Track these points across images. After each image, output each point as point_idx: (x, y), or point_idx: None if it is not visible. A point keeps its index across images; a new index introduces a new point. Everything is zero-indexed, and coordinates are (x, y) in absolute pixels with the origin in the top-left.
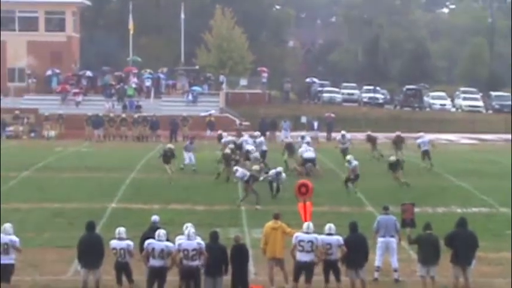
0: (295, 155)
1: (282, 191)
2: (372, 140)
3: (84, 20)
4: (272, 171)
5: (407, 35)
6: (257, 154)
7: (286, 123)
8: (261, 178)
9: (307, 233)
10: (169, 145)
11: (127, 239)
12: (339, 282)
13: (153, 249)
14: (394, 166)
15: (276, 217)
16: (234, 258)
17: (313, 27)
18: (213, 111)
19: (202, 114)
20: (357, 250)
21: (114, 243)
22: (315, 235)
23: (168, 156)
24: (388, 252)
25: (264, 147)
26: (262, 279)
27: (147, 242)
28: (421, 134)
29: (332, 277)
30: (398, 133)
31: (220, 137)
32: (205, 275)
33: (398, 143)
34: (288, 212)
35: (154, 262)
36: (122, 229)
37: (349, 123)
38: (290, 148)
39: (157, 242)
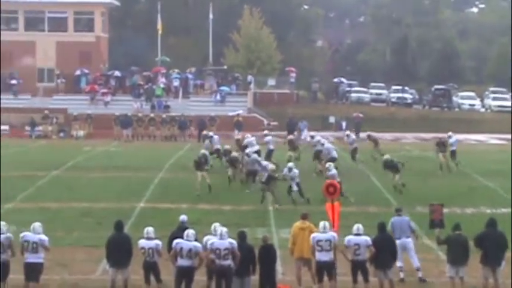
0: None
1: (307, 192)
2: (373, 140)
3: (113, 20)
4: (285, 169)
5: (436, 34)
6: (255, 156)
7: (303, 123)
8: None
9: (323, 232)
10: (203, 151)
11: (155, 238)
12: (367, 282)
13: (181, 248)
14: (390, 166)
15: (304, 217)
16: (262, 259)
17: (342, 27)
18: (241, 111)
19: (230, 114)
20: (385, 250)
21: (142, 242)
22: (333, 234)
23: (201, 163)
24: (406, 252)
25: (271, 146)
26: (290, 279)
27: (175, 241)
28: (450, 134)
29: (360, 278)
30: (439, 135)
31: (205, 137)
32: (233, 274)
33: (441, 145)
34: (316, 212)
35: (182, 262)
36: (150, 229)
37: (377, 123)
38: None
39: (186, 242)
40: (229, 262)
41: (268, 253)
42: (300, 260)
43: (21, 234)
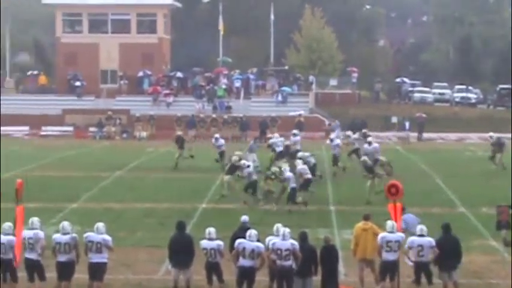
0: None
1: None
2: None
3: (175, 21)
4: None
5: (500, 32)
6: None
7: (336, 124)
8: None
9: (391, 232)
10: (237, 155)
11: (217, 239)
12: (431, 284)
13: (244, 249)
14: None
15: (366, 218)
16: (323, 259)
17: (404, 27)
18: (302, 112)
19: (291, 114)
20: (449, 252)
21: (204, 243)
22: (401, 234)
23: (234, 167)
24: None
25: (298, 147)
26: (352, 280)
27: (237, 241)
28: (491, 134)
29: (424, 279)
30: (495, 135)
31: (180, 140)
32: (295, 275)
33: (498, 145)
34: (379, 213)
35: (244, 262)
36: (211, 229)
37: (441, 123)
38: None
39: (248, 242)
40: (290, 263)
41: (330, 254)
42: (363, 261)
43: (85, 235)
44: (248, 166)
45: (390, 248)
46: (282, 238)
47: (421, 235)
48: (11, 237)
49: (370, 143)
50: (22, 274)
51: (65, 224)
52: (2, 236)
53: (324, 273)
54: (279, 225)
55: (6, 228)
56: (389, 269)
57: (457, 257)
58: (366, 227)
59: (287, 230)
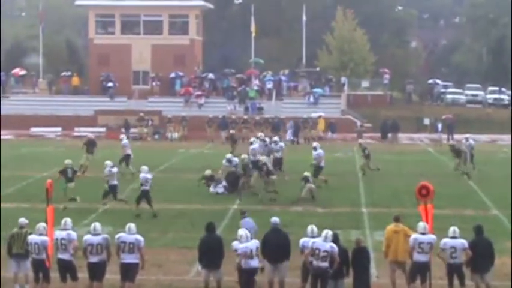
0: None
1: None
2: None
3: (207, 23)
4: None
5: None
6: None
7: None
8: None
9: (424, 233)
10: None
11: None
12: (463, 286)
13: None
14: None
15: (397, 219)
16: (355, 261)
17: (436, 28)
18: (322, 114)
19: (313, 115)
20: (482, 254)
21: (235, 244)
22: (433, 236)
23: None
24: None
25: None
26: (384, 281)
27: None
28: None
29: (456, 281)
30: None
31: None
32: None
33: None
34: (410, 214)
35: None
36: (243, 231)
37: (473, 124)
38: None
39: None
40: (326, 264)
41: (361, 255)
42: (395, 262)
43: (117, 235)
44: (113, 167)
45: (422, 250)
46: (323, 239)
47: (454, 237)
48: (44, 238)
49: (315, 148)
50: (54, 275)
51: (97, 224)
52: (35, 237)
53: (355, 275)
54: (313, 226)
55: (40, 228)
56: (421, 271)
57: (490, 259)
58: (397, 228)
59: (330, 232)
